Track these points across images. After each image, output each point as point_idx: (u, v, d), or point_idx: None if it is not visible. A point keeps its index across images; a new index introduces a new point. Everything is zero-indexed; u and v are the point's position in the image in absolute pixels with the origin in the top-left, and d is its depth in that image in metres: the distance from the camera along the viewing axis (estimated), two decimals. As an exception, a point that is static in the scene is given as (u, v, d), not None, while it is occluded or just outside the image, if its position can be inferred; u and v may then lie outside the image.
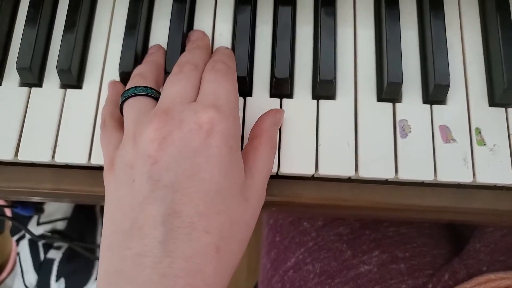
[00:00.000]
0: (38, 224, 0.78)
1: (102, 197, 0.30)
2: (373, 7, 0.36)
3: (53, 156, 0.32)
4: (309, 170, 0.32)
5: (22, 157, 0.32)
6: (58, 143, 0.33)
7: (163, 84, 0.30)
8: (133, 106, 0.29)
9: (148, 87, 0.30)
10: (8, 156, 0.32)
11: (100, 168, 0.32)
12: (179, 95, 0.28)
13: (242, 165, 0.28)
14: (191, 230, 0.25)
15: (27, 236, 0.77)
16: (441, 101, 0.33)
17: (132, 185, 0.26)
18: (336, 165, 0.32)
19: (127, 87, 0.31)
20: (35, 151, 0.32)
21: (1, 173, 0.34)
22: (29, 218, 0.78)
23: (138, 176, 0.26)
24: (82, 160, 0.32)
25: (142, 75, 0.31)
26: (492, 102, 0.33)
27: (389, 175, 0.31)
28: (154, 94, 0.30)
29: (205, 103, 0.27)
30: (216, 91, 0.28)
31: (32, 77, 0.34)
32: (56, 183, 0.34)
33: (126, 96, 0.30)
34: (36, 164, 0.33)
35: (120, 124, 0.31)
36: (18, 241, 0.79)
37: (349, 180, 0.33)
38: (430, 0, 0.34)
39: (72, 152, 0.32)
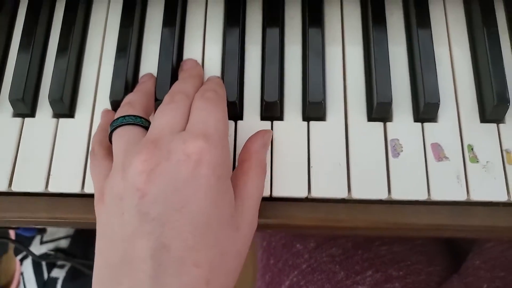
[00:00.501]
0: (41, 243, 0.78)
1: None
2: (361, 24, 0.36)
3: (46, 186, 0.33)
4: (301, 193, 0.32)
5: (16, 188, 0.33)
6: (51, 173, 0.33)
7: (154, 112, 0.30)
8: (122, 136, 0.29)
9: (138, 116, 0.30)
10: (2, 187, 0.33)
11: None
12: (168, 125, 0.28)
13: (232, 194, 0.28)
14: (180, 264, 0.24)
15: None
16: (432, 118, 0.33)
17: (122, 217, 0.26)
18: (329, 186, 0.32)
19: (116, 116, 0.31)
20: (29, 181, 0.33)
21: (-4, 204, 0.34)
22: (32, 238, 0.78)
23: (127, 209, 0.26)
24: (75, 189, 0.32)
25: (131, 104, 0.31)
26: (484, 118, 0.33)
27: (382, 195, 0.31)
28: (143, 123, 0.30)
29: (194, 133, 0.27)
30: (205, 119, 0.28)
31: (25, 108, 0.34)
32: (51, 212, 0.34)
33: (115, 126, 0.30)
34: (30, 193, 0.33)
35: (109, 153, 0.31)
36: (21, 260, 0.79)
37: (343, 200, 0.33)
38: (417, 16, 0.34)
39: (66, 181, 0.33)
